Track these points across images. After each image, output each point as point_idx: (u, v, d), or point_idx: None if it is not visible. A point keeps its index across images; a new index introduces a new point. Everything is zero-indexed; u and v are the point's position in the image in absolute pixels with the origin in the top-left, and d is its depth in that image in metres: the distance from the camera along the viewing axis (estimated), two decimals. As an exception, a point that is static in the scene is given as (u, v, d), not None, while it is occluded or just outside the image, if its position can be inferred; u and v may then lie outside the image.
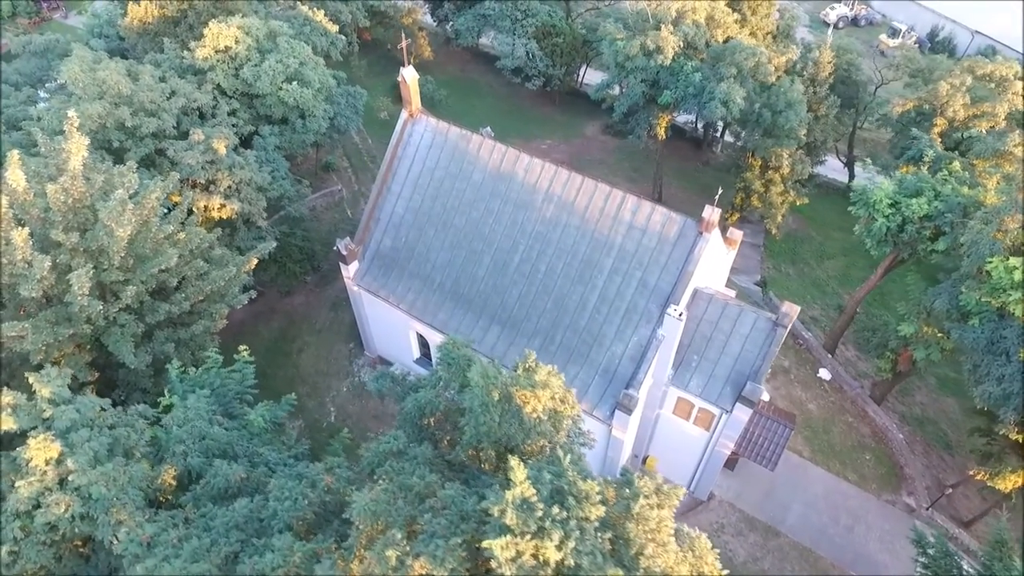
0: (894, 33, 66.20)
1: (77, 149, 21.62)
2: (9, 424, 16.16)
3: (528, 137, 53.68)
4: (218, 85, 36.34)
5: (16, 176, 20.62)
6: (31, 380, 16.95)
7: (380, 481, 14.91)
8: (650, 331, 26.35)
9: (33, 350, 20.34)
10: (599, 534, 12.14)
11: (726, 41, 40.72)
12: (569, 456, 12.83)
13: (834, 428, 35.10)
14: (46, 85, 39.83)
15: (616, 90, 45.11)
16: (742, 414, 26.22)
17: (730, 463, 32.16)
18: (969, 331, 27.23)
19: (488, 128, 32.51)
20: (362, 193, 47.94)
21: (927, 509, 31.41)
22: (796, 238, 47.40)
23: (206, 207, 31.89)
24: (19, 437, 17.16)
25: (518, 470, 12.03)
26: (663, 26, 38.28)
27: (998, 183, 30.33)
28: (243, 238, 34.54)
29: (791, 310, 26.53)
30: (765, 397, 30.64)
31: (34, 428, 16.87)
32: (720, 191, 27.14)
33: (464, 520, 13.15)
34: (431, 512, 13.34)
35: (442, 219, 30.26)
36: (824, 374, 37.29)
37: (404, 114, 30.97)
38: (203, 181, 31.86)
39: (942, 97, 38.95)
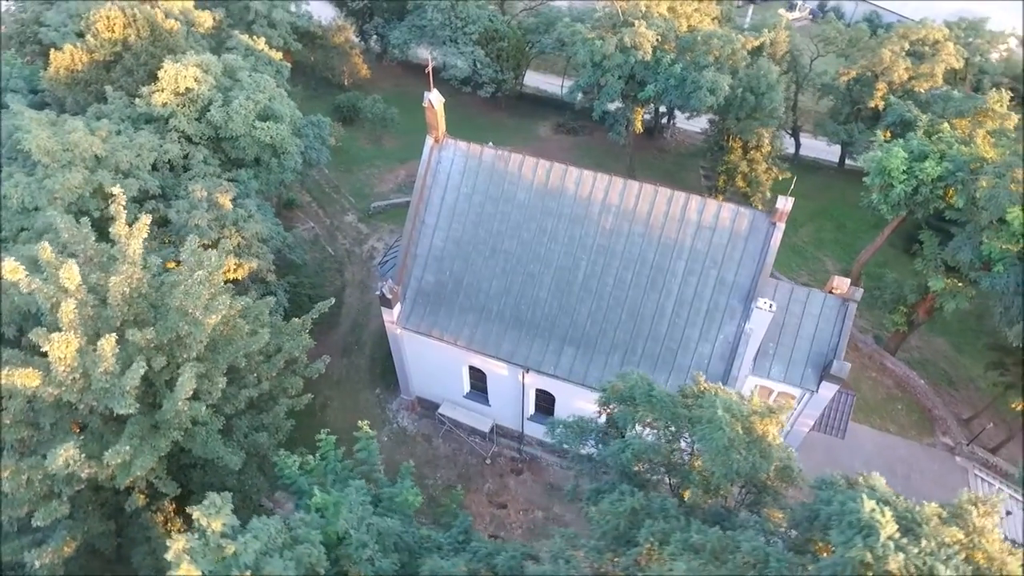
0: (791, 7, 70.79)
1: (139, 231, 18.28)
2: (193, 573, 13.40)
3: (485, 145, 52.29)
4: (182, 132, 32.54)
5: (71, 274, 17.08)
6: (195, 515, 14.14)
7: (648, 548, 13.73)
8: (735, 327, 26.42)
9: (129, 475, 17.09)
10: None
11: (690, 31, 41.62)
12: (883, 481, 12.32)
13: (863, 385, 37.02)
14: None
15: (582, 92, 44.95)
16: (828, 392, 26.91)
17: (789, 438, 33.06)
18: (998, 277, 29.50)
19: (490, 143, 31.42)
20: (336, 227, 44.86)
21: (967, 445, 33.86)
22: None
23: (219, 270, 28.40)
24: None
25: (876, 508, 11.40)
26: (637, 22, 38.49)
27: (985, 138, 33.01)
28: (251, 296, 31.18)
29: (842, 283, 27.66)
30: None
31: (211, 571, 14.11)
32: (794, 182, 27.73)
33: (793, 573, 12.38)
34: (754, 570, 12.44)
35: (489, 245, 28.74)
36: (838, 336, 39.15)
37: (429, 140, 29.16)
38: (208, 241, 28.43)
39: (885, 63, 41.98)
